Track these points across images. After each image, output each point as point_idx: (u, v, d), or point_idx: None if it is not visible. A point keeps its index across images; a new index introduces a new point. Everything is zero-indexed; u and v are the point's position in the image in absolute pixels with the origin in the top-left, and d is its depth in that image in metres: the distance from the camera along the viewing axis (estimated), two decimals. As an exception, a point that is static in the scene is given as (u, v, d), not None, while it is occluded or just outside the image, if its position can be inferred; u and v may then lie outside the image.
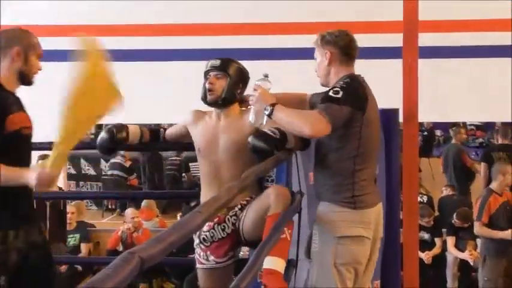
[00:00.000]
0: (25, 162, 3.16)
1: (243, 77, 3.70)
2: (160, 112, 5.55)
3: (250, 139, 3.34)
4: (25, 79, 3.22)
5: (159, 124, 4.34)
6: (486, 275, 6.61)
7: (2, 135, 3.05)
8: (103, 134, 3.73)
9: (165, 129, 3.98)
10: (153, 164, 11.73)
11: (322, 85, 3.51)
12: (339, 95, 3.25)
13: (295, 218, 3.66)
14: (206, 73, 3.69)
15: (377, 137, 3.55)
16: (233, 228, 3.60)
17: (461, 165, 9.36)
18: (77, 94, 2.98)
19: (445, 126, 17.52)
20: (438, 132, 17.76)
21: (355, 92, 3.33)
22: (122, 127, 3.78)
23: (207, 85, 3.65)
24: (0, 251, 3.03)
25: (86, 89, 3.00)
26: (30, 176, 2.95)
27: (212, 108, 3.73)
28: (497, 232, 6.59)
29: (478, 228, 6.72)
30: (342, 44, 3.44)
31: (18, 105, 3.20)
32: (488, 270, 6.60)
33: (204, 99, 3.69)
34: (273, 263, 3.18)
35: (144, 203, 8.66)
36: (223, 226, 3.62)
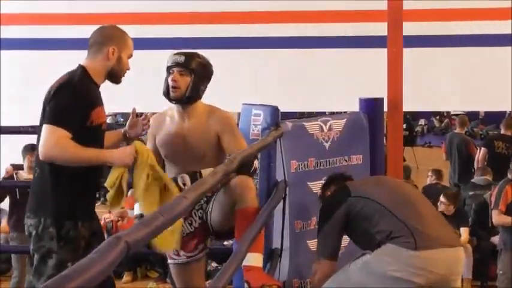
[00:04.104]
0: None
1: (207, 73, 3.54)
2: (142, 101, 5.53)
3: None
4: (114, 78, 3.22)
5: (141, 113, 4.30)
6: (501, 269, 6.50)
7: (87, 127, 3.06)
8: None
9: None
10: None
11: None
12: None
13: (280, 206, 3.66)
14: (169, 68, 3.51)
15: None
16: (200, 222, 3.53)
17: (467, 154, 9.32)
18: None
19: (429, 115, 17.65)
20: (422, 122, 17.83)
21: None
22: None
23: (170, 82, 3.47)
24: (74, 237, 3.10)
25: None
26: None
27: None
28: None
29: (495, 216, 6.54)
30: None
31: (101, 99, 3.21)
32: (503, 264, 6.51)
33: (167, 95, 3.51)
34: (252, 259, 3.19)
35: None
36: (190, 221, 3.53)
